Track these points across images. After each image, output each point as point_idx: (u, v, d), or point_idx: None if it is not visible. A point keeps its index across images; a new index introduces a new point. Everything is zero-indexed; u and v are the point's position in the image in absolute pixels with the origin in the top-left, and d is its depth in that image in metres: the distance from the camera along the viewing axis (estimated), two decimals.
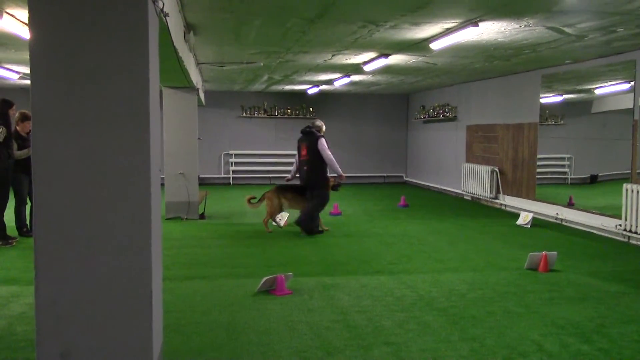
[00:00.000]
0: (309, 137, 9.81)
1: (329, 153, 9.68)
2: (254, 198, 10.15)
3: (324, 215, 11.13)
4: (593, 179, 11.51)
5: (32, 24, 3.36)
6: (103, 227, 3.43)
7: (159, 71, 3.90)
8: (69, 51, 3.35)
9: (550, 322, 5.33)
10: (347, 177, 18.61)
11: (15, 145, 8.59)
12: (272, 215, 10.00)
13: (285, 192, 9.95)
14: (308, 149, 9.74)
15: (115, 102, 3.40)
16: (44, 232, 3.40)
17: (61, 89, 3.36)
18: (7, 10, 6.55)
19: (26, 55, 9.67)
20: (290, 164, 18.52)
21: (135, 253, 3.47)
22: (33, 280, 3.45)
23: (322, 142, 9.68)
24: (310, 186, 9.73)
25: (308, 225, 9.60)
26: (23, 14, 6.59)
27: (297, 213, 10.01)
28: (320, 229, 9.79)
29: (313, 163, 9.69)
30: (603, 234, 9.83)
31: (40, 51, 3.36)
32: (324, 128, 10.11)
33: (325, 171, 9.76)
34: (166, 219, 10.93)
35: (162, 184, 10.46)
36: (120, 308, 3.48)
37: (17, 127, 8.82)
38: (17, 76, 12.96)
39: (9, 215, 8.79)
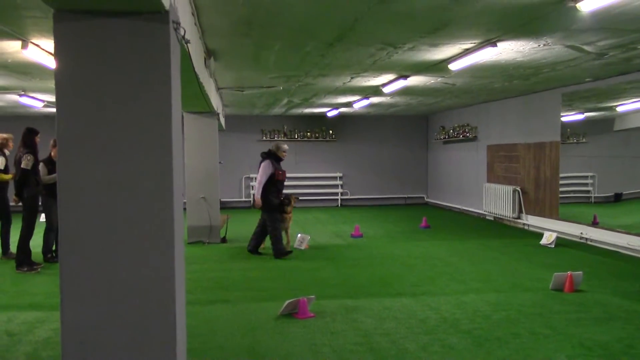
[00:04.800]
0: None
1: (260, 175, 9.79)
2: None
3: (336, 237, 11.12)
4: (617, 197, 11.39)
5: (58, 53, 3.44)
6: (127, 253, 3.46)
7: (180, 97, 3.95)
8: (93, 79, 3.43)
9: (578, 343, 5.24)
10: (361, 199, 18.77)
11: (45, 170, 8.78)
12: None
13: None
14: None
15: (139, 128, 3.45)
16: (70, 258, 3.44)
17: (86, 116, 3.43)
18: (32, 41, 6.70)
19: (50, 84, 9.89)
20: (309, 186, 18.75)
21: (159, 278, 3.49)
22: (58, 305, 3.48)
23: (262, 164, 9.83)
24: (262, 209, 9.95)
25: (277, 251, 9.76)
26: (47, 43, 6.74)
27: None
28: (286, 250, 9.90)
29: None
30: (629, 252, 9.67)
31: (66, 80, 3.43)
32: (281, 150, 10.07)
33: (267, 193, 9.79)
34: (188, 243, 10.98)
35: (184, 209, 10.54)
36: (144, 333, 3.49)
37: (52, 153, 8.98)
38: (42, 104, 13.20)
39: (36, 241, 8.90)
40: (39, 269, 8.50)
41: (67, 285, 3.43)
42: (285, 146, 10.17)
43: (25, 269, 8.45)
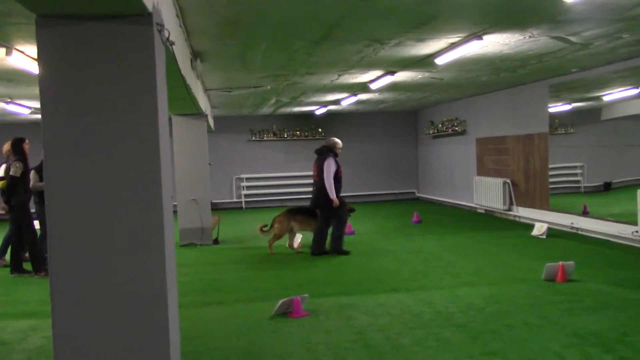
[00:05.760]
0: (319, 158, 9.75)
1: (330, 175, 9.45)
2: (266, 226, 10.18)
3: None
4: (607, 187, 11.43)
5: (41, 59, 3.41)
6: (117, 258, 3.44)
7: (167, 100, 3.93)
8: (77, 84, 3.40)
9: (571, 332, 5.26)
10: (352, 195, 18.76)
11: (37, 177, 8.73)
12: (278, 238, 10.00)
13: (295, 215, 9.97)
14: (318, 169, 9.69)
15: (125, 132, 3.43)
16: (60, 265, 3.41)
17: (71, 122, 3.40)
18: (17, 47, 6.65)
19: (36, 91, 9.81)
20: (302, 184, 18.74)
21: (150, 282, 3.48)
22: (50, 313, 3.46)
23: (327, 162, 9.52)
24: (320, 208, 9.68)
25: (337, 248, 9.62)
26: (32, 50, 6.69)
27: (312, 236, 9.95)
28: (344, 249, 9.74)
29: (322, 184, 9.59)
30: (620, 241, 9.73)
31: (50, 85, 3.41)
32: (338, 146, 9.84)
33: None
34: (180, 246, 10.94)
35: (175, 211, 10.50)
36: (137, 337, 3.48)
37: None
38: (29, 111, 13.11)
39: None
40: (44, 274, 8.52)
41: (57, 292, 3.41)
42: (341, 142, 9.97)
43: (43, 273, 8.51)
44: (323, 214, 9.63)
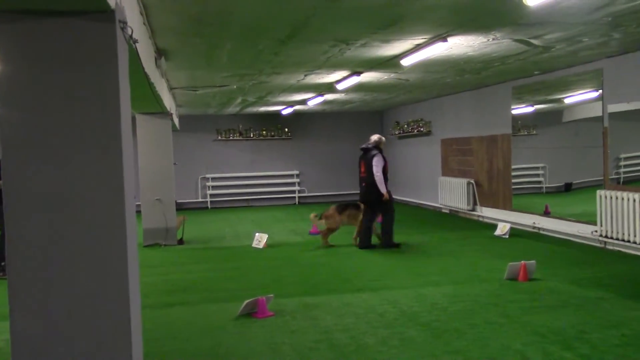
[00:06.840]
0: (366, 154, 10.13)
1: (380, 169, 9.87)
2: (317, 215, 10.54)
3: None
4: (568, 187, 11.66)
5: (0, 55, 3.33)
6: (78, 258, 3.38)
7: (130, 98, 3.88)
8: (37, 82, 3.33)
9: (532, 330, 5.35)
10: (319, 196, 18.80)
11: None
12: (332, 232, 10.32)
13: (344, 209, 10.36)
14: (366, 166, 10.06)
15: (87, 131, 3.37)
16: (18, 265, 3.34)
17: (31, 119, 3.34)
18: None
19: None
20: (266, 185, 18.71)
21: (112, 282, 3.43)
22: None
23: (375, 158, 9.89)
24: (368, 203, 10.04)
25: (387, 241, 10.04)
26: None
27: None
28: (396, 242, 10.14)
29: (370, 179, 9.95)
30: (580, 240, 9.93)
31: (9, 82, 3.33)
32: (383, 141, 10.33)
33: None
34: (144, 246, 10.80)
35: (139, 211, 10.37)
36: (98, 339, 3.42)
37: None
38: None
39: None
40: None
41: (16, 293, 3.34)
42: (384, 138, 10.52)
43: (1, 274, 8.34)
44: (370, 209, 10.03)
